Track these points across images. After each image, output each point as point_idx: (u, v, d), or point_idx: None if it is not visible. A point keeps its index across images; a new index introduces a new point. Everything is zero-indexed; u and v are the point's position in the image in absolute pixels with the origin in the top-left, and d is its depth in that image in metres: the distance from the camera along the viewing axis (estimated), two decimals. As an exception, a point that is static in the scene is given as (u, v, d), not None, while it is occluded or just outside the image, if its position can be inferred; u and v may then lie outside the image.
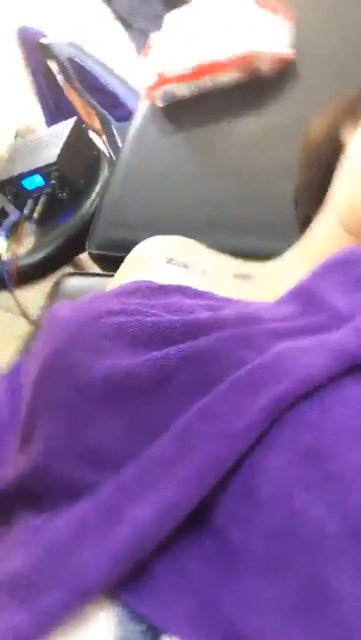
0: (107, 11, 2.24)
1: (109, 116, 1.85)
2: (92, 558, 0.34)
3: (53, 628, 0.34)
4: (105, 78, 1.75)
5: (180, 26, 0.98)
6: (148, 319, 0.42)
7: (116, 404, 0.39)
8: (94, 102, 1.81)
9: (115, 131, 1.84)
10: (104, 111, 1.83)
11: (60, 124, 1.22)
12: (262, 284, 0.55)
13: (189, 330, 0.40)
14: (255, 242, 0.79)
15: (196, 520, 0.35)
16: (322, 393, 0.34)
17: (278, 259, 0.60)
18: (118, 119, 1.84)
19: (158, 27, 1.08)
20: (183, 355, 0.38)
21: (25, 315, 1.16)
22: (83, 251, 1.16)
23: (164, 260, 0.59)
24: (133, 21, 2.14)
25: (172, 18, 1.01)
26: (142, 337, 0.41)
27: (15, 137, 1.85)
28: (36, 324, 1.11)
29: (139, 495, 0.34)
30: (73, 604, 0.33)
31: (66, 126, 1.17)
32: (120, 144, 1.64)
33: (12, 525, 0.43)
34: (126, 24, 2.20)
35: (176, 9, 1.06)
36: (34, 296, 1.17)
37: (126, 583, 0.34)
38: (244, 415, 0.34)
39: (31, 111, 2.02)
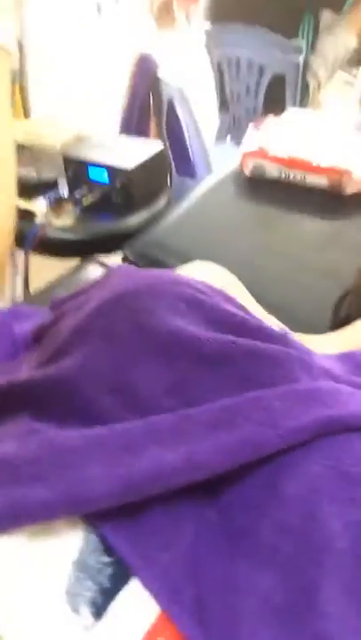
0: (212, 86, 2.42)
1: (173, 165, 1.94)
2: (99, 474, 0.33)
3: (19, 519, 0.33)
4: (190, 134, 1.85)
5: (296, 121, 1.08)
6: (225, 307, 0.44)
7: (171, 358, 0.40)
8: (167, 145, 1.91)
9: (172, 179, 1.92)
10: (171, 158, 1.92)
11: (145, 140, 1.28)
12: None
13: (260, 332, 0.43)
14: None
15: (208, 491, 0.36)
16: None
17: (313, 336, 0.64)
18: (180, 172, 1.93)
19: (250, 120, 1.17)
20: (250, 349, 0.40)
21: (26, 279, 1.16)
22: (108, 252, 1.19)
23: (218, 285, 0.62)
24: (232, 106, 2.31)
25: (293, 112, 1.11)
26: (216, 317, 0.43)
27: (75, 137, 1.91)
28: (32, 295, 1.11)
29: (167, 443, 0.35)
30: (59, 508, 0.33)
31: (153, 146, 1.23)
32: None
33: (6, 421, 0.42)
34: (224, 105, 2.37)
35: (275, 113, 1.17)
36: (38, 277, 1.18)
37: (109, 515, 0.34)
38: (297, 418, 0.36)
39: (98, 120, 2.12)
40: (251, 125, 1.11)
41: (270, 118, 1.13)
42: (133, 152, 1.21)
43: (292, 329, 0.66)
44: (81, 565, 0.33)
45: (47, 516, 0.33)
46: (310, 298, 0.84)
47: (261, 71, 2.09)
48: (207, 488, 0.36)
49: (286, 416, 0.36)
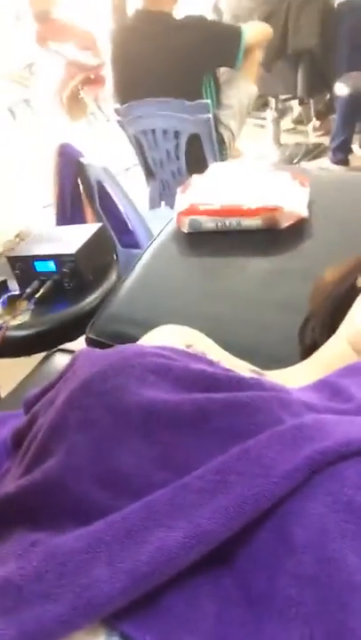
0: (129, 158, 2.52)
1: (116, 240, 1.99)
2: (106, 575, 0.33)
3: None
4: (123, 207, 1.91)
5: (220, 174, 1.13)
6: (194, 366, 0.45)
7: (150, 432, 0.40)
8: (107, 224, 1.96)
9: (117, 253, 1.97)
10: (113, 234, 1.97)
11: (83, 225, 1.32)
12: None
13: (233, 383, 0.43)
14: (253, 364, 0.84)
15: (218, 560, 0.35)
16: (358, 457, 0.37)
17: (285, 370, 0.65)
18: (123, 245, 1.98)
19: (179, 182, 1.23)
20: (227, 402, 0.41)
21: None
22: (72, 339, 1.19)
23: (183, 345, 0.63)
24: (158, 172, 2.40)
25: (215, 167, 1.16)
26: (187, 380, 0.44)
27: (15, 237, 1.96)
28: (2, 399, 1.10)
29: (168, 520, 0.35)
30: (74, 621, 0.32)
31: (91, 228, 1.27)
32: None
33: (4, 538, 0.41)
34: (150, 173, 2.46)
35: (200, 170, 1.23)
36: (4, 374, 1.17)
37: (126, 611, 0.33)
38: (287, 461, 0.36)
39: (31, 216, 2.17)
40: (179, 189, 1.15)
41: (195, 177, 1.18)
42: (74, 237, 1.24)
43: (265, 367, 0.67)
44: None
45: (63, 633, 0.32)
46: (274, 333, 0.85)
47: (177, 135, 2.19)
48: (220, 555, 0.36)
49: (277, 461, 0.36)
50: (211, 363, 0.52)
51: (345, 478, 0.35)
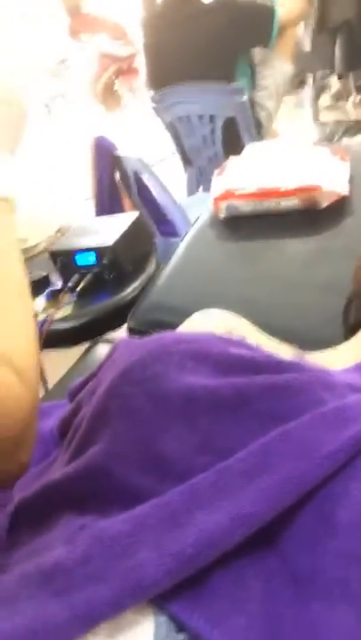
0: (167, 146, 2.51)
1: (155, 229, 1.99)
2: (151, 558, 0.33)
3: (89, 624, 0.32)
4: (160, 196, 1.90)
5: (256, 154, 1.11)
6: (233, 351, 0.45)
7: (191, 418, 0.40)
8: (145, 214, 1.97)
9: (156, 242, 1.97)
10: (152, 223, 1.97)
11: (121, 214, 1.32)
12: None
13: (272, 365, 0.43)
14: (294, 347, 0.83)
15: (263, 540, 0.35)
16: None
17: (326, 351, 0.63)
18: (162, 234, 1.98)
19: (215, 166, 1.22)
20: (267, 384, 0.40)
21: (42, 377, 1.17)
22: (115, 328, 1.21)
23: (223, 331, 0.63)
24: (195, 159, 2.38)
25: (252, 147, 1.14)
26: (225, 364, 0.43)
27: (56, 232, 1.99)
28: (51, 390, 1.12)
29: (211, 503, 0.35)
30: (122, 603, 0.32)
31: (128, 217, 1.27)
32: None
33: (51, 525, 0.42)
34: (187, 161, 2.44)
35: (236, 154, 1.21)
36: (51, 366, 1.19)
37: (174, 592, 0.33)
38: (330, 442, 0.35)
39: (72, 210, 2.20)
40: (215, 172, 1.14)
41: (231, 159, 1.16)
42: (112, 228, 1.25)
43: (307, 350, 0.66)
44: None
45: (112, 614, 0.32)
46: (316, 315, 0.84)
47: (213, 120, 2.17)
48: (263, 536, 0.35)
49: (319, 443, 0.35)
50: (250, 347, 0.52)
51: None
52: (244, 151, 1.16)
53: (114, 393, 0.44)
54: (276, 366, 0.43)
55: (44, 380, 1.18)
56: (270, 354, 0.50)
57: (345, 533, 0.32)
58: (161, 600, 0.33)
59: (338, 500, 0.33)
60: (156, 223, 1.98)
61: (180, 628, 0.33)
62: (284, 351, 0.60)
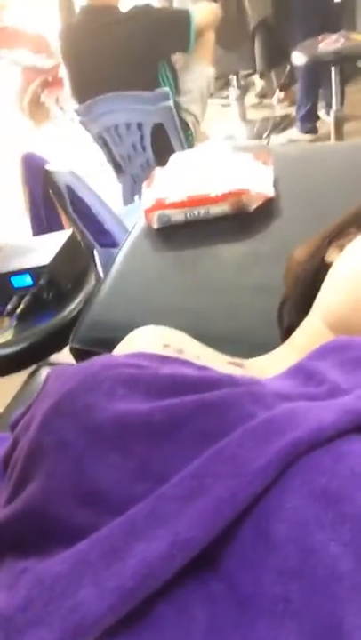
0: (99, 157, 2.50)
1: (94, 241, 1.98)
2: (92, 595, 0.32)
3: None
4: (96, 207, 1.89)
5: (182, 163, 1.11)
6: (163, 372, 0.45)
7: (126, 446, 0.40)
8: (83, 227, 1.95)
9: (97, 254, 1.96)
10: (90, 236, 1.96)
11: (55, 233, 1.31)
12: (254, 373, 0.58)
13: (203, 383, 0.43)
14: (236, 351, 0.84)
15: (204, 563, 0.35)
16: (333, 444, 0.36)
17: (264, 356, 0.65)
18: (102, 245, 1.97)
19: (147, 173, 1.22)
20: (197, 403, 0.40)
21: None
22: (58, 350, 1.19)
23: (161, 345, 0.63)
24: (127, 168, 2.38)
25: (177, 157, 1.15)
26: (156, 386, 0.43)
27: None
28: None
29: (148, 532, 0.34)
30: None
31: (62, 235, 1.26)
32: (100, 267, 1.75)
33: None
34: (120, 170, 2.44)
35: (168, 159, 1.22)
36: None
37: (118, 629, 0.33)
38: (259, 457, 0.35)
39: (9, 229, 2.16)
40: (144, 184, 1.14)
41: (157, 170, 1.17)
42: (47, 247, 1.23)
43: (248, 354, 0.67)
44: None
45: None
46: (253, 318, 0.85)
47: (140, 127, 2.18)
48: (205, 559, 0.35)
49: (249, 459, 0.36)
50: (185, 363, 0.52)
51: (318, 466, 0.35)
52: (169, 162, 1.17)
53: (46, 427, 0.43)
54: (207, 384, 0.43)
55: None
56: (205, 369, 0.51)
57: (281, 549, 0.33)
58: (106, 637, 0.33)
59: (273, 515, 0.34)
60: (94, 235, 1.97)
61: None
62: (221, 361, 0.60)
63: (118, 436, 0.40)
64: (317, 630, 0.31)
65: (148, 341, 0.64)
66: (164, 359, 0.51)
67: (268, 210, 1.01)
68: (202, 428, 0.39)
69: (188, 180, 1.07)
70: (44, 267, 1.17)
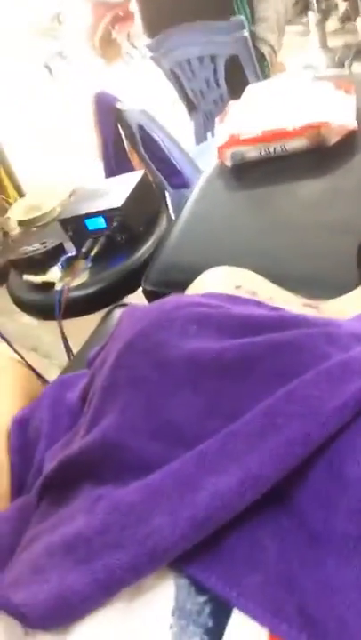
0: (172, 94, 2.43)
1: (166, 183, 1.95)
2: (165, 523, 0.33)
3: (110, 590, 0.33)
4: (168, 148, 1.86)
5: (257, 96, 1.06)
6: (234, 312, 0.44)
7: (197, 383, 0.40)
8: (154, 168, 1.92)
9: (168, 196, 1.93)
10: (162, 177, 1.93)
11: (126, 174, 1.29)
12: (330, 314, 0.56)
13: (276, 324, 0.42)
14: (312, 294, 0.82)
15: (275, 499, 0.35)
16: None
17: (341, 298, 0.62)
18: (174, 186, 1.94)
19: (221, 110, 1.17)
20: (270, 343, 0.39)
21: (67, 345, 1.18)
22: (132, 291, 1.20)
23: (233, 287, 0.61)
24: (200, 104, 2.31)
25: (251, 89, 1.09)
26: (228, 326, 0.43)
27: (70, 196, 1.97)
28: (74, 357, 1.14)
29: (219, 467, 0.34)
30: (139, 568, 0.33)
31: (134, 177, 1.24)
32: (172, 208, 1.73)
33: (73, 496, 0.43)
34: (192, 106, 2.37)
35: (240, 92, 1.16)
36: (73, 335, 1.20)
37: (192, 555, 0.34)
38: (334, 398, 0.34)
39: (86, 171, 2.16)
40: (217, 119, 1.10)
41: (231, 104, 1.12)
42: (119, 189, 1.22)
43: (324, 296, 0.65)
44: (180, 612, 0.33)
45: (131, 579, 0.33)
46: (330, 259, 0.82)
47: (214, 60, 2.09)
48: (276, 496, 0.35)
49: (324, 400, 0.35)
50: (257, 304, 0.51)
51: None
52: (244, 94, 1.11)
53: (120, 364, 0.44)
54: (280, 323, 0.42)
55: (68, 350, 1.19)
56: (278, 309, 0.49)
57: (355, 489, 0.32)
58: (180, 563, 0.34)
59: (346, 457, 0.33)
60: (166, 176, 1.94)
61: (201, 589, 0.34)
62: (294, 303, 0.59)
63: (189, 373, 0.40)
64: None
65: (220, 282, 0.63)
66: (236, 299, 0.50)
67: (349, 143, 0.95)
68: (274, 368, 0.39)
69: (263, 113, 1.02)
70: (116, 209, 1.17)
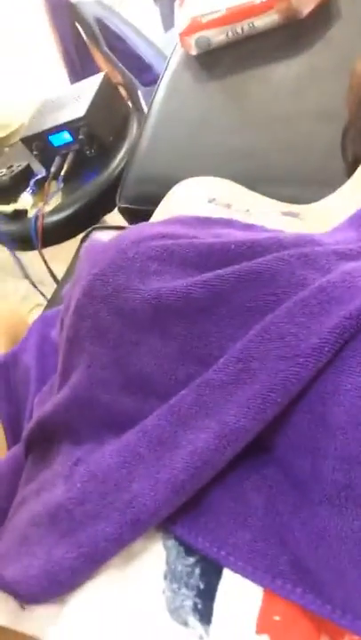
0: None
1: (136, 80, 1.80)
2: (145, 488, 0.31)
3: (97, 561, 0.32)
4: (132, 40, 1.70)
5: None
6: (199, 241, 0.39)
7: (164, 328, 0.36)
8: (121, 66, 1.77)
9: (141, 95, 1.79)
10: (131, 75, 1.79)
11: (87, 79, 1.18)
12: (313, 222, 0.51)
13: (245, 251, 0.36)
14: (297, 191, 0.75)
15: (257, 449, 0.32)
16: None
17: (326, 198, 0.56)
18: (145, 84, 1.79)
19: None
20: (239, 274, 0.35)
21: (53, 275, 1.14)
22: (110, 209, 1.13)
23: (206, 200, 0.56)
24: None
25: None
26: (193, 258, 0.38)
27: (39, 109, 1.83)
28: (56, 289, 1.09)
29: (196, 421, 0.32)
30: (124, 537, 0.31)
31: (94, 81, 1.13)
32: (145, 108, 1.61)
33: (54, 454, 0.41)
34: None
35: None
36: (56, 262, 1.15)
37: (177, 514, 0.32)
38: (312, 335, 0.30)
39: (55, 80, 1.99)
40: (175, 3, 0.98)
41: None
42: (80, 97, 1.12)
43: (309, 192, 0.59)
44: (171, 576, 0.32)
45: (117, 549, 0.32)
46: (314, 150, 0.74)
47: None
48: (259, 445, 0.32)
49: (300, 337, 0.30)
50: (229, 223, 0.45)
51: None
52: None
53: (81, 314, 0.40)
54: (250, 249, 0.37)
55: (56, 279, 1.15)
56: (249, 227, 0.44)
57: (341, 434, 0.29)
58: (166, 524, 0.32)
59: (330, 399, 0.29)
60: (135, 73, 1.79)
61: (190, 550, 0.32)
62: (274, 211, 0.53)
63: (155, 318, 0.36)
64: None
65: (192, 196, 0.57)
66: (205, 222, 0.45)
67: (325, 14, 0.84)
68: (246, 302, 0.34)
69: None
70: (80, 119, 1.07)
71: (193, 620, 0.30)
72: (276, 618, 0.29)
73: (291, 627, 0.29)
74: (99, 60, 1.78)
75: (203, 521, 0.32)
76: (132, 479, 0.32)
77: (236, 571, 0.30)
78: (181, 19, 0.93)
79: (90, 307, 0.39)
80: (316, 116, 0.76)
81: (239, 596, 0.30)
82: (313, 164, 0.75)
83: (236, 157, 0.82)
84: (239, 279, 0.34)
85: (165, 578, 0.32)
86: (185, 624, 0.30)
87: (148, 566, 0.32)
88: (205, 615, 0.30)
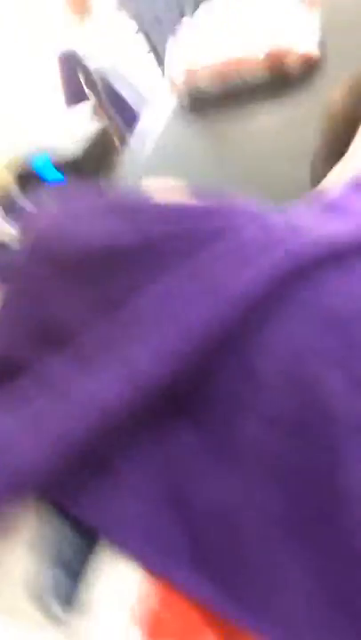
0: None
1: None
2: (29, 447, 0.27)
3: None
4: (134, 101, 1.78)
5: (212, 16, 0.96)
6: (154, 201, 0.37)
7: (87, 275, 0.33)
8: (114, 114, 1.83)
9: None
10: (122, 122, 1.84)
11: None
12: None
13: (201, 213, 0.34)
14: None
15: (178, 408, 0.28)
16: (345, 260, 0.28)
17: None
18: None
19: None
20: (167, 221, 0.32)
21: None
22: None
23: None
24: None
25: (206, 5, 0.99)
26: (126, 208, 0.35)
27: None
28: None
29: (98, 366, 0.28)
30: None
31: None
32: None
33: None
34: (161, 61, 2.25)
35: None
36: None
37: (63, 479, 0.27)
38: (243, 275, 0.27)
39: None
40: (168, 43, 1.00)
41: (185, 23, 1.01)
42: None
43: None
44: (40, 545, 0.26)
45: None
46: (287, 187, 0.75)
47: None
48: (175, 406, 0.28)
49: (230, 278, 0.27)
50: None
51: (323, 285, 0.26)
52: (200, 11, 1.01)
53: (20, 275, 0.37)
54: (205, 214, 0.34)
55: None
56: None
57: (272, 389, 0.25)
58: (48, 491, 0.28)
59: (260, 349, 0.26)
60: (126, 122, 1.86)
61: (65, 518, 0.27)
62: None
63: (78, 265, 0.33)
64: (319, 490, 0.24)
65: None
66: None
67: (311, 70, 0.86)
68: (178, 246, 0.31)
69: (220, 36, 0.92)
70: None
71: (52, 602, 0.25)
72: (157, 607, 0.24)
73: (172, 618, 0.24)
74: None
75: (93, 487, 0.27)
76: (21, 438, 0.28)
77: (121, 549, 0.25)
78: (175, 60, 0.96)
79: (28, 265, 0.37)
80: (289, 158, 0.78)
81: (115, 578, 0.25)
82: (285, 199, 0.76)
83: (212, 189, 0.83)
84: (171, 224, 0.32)
85: (32, 548, 0.27)
86: (47, 609, 0.25)
87: (17, 532, 0.27)
88: (69, 597, 0.25)
